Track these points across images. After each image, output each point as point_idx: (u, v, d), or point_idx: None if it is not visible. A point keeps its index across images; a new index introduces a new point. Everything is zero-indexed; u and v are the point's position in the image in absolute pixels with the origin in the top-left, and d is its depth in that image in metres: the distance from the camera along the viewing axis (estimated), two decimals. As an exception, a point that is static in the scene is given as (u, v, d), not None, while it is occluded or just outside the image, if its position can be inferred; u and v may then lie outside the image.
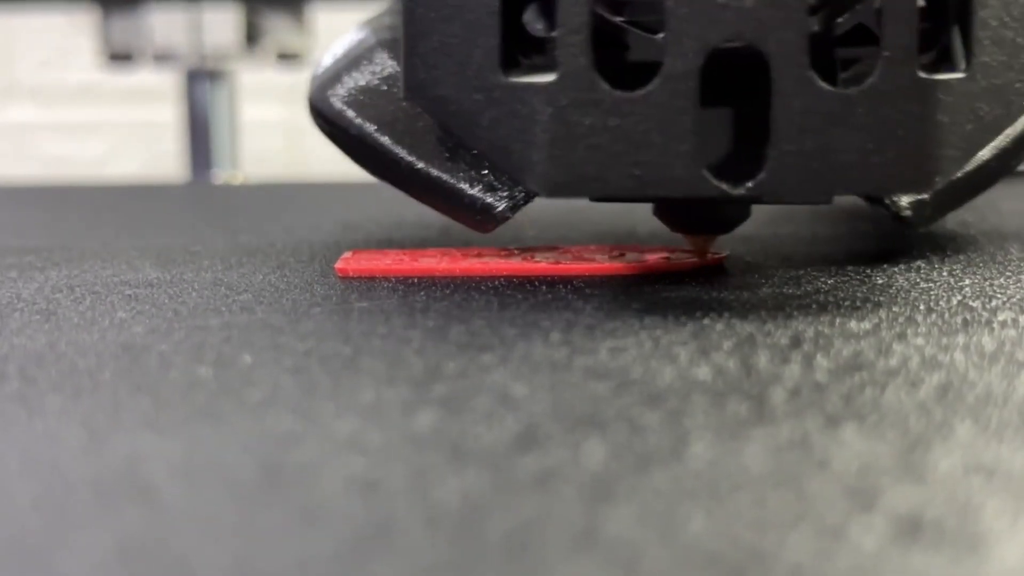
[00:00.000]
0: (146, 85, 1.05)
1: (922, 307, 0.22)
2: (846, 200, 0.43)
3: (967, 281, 0.24)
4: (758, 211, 0.31)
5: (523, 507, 0.12)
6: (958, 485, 0.13)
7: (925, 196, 0.25)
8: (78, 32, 1.03)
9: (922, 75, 0.21)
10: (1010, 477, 0.13)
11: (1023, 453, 0.14)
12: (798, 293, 0.23)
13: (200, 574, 0.11)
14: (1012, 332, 0.20)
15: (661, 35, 0.21)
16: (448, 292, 0.24)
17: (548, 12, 0.22)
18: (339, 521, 0.12)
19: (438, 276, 0.26)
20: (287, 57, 0.82)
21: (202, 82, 0.82)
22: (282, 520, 0.12)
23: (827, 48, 0.23)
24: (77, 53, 1.08)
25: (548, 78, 0.22)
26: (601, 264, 0.26)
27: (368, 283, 0.25)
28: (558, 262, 0.26)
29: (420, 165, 0.26)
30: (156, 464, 0.14)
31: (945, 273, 0.25)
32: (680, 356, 0.18)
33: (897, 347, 0.19)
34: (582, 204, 0.29)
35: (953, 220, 0.35)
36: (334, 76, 0.27)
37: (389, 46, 0.27)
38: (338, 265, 0.27)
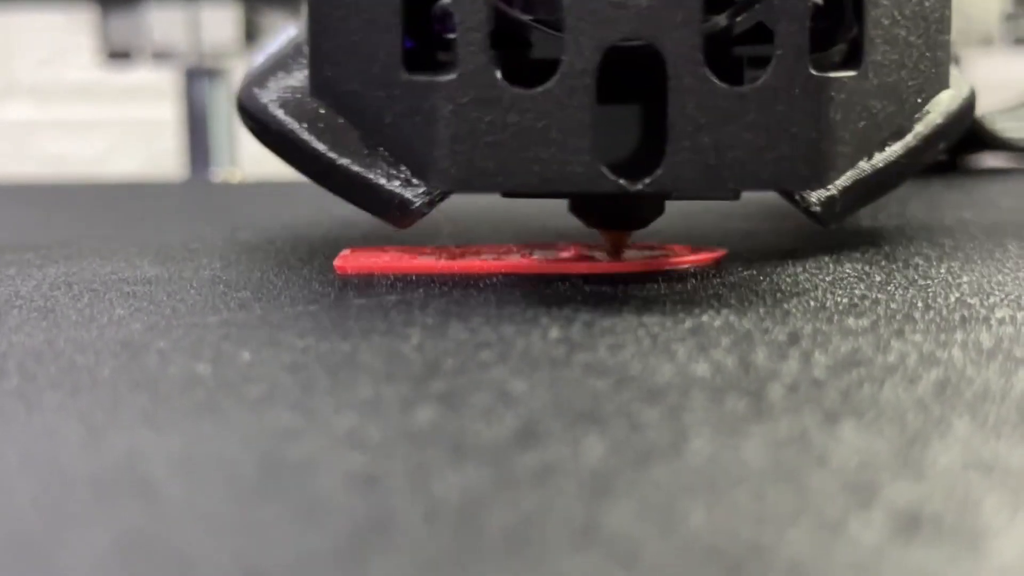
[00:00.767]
0: (145, 83, 1.05)
1: (920, 304, 0.22)
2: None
3: (965, 278, 0.24)
4: (757, 207, 0.31)
5: (523, 502, 0.12)
6: (956, 481, 0.13)
7: (834, 193, 0.26)
8: (77, 30, 1.03)
9: (814, 73, 0.22)
10: (1008, 473, 0.13)
11: (1021, 449, 0.14)
12: (796, 290, 0.23)
13: (199, 570, 0.11)
14: (1010, 329, 0.20)
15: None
16: (446, 289, 0.24)
17: (451, 10, 0.23)
18: (338, 516, 0.12)
19: (436, 274, 0.26)
20: (285, 55, 0.82)
21: (201, 80, 0.82)
22: (281, 515, 0.12)
23: (727, 47, 0.23)
24: (76, 51, 1.08)
25: (449, 76, 0.22)
26: (599, 262, 0.26)
27: (366, 280, 0.25)
28: (556, 260, 0.26)
29: (339, 161, 0.26)
30: (155, 460, 0.14)
31: (943, 270, 0.25)
32: (679, 353, 0.18)
33: (895, 344, 0.19)
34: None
35: (951, 217, 0.35)
36: (261, 74, 0.27)
37: None
38: (336, 262, 0.27)
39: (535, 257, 0.27)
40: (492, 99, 0.22)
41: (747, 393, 0.16)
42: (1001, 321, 0.20)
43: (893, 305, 0.22)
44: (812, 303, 0.22)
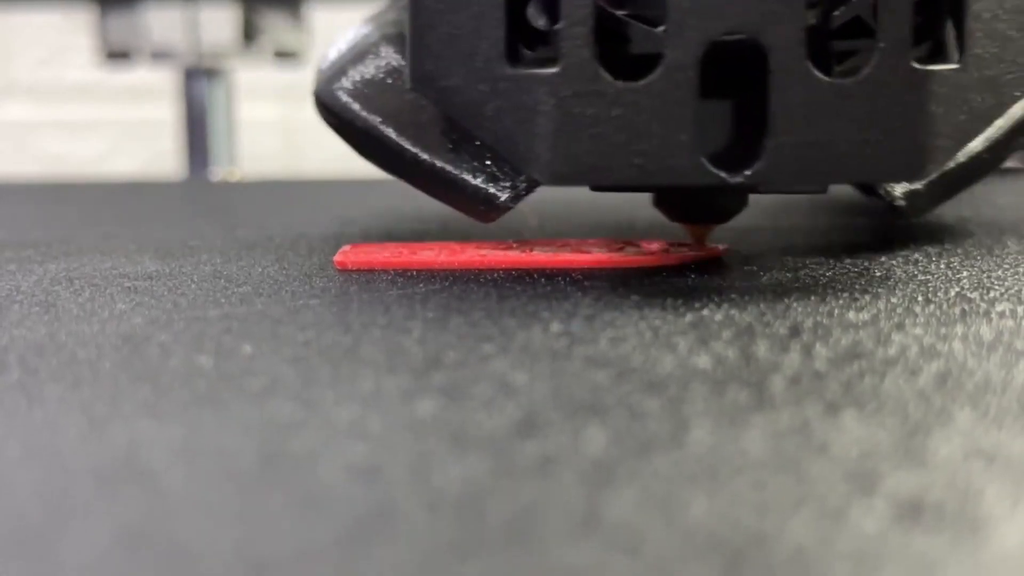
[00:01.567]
0: (144, 84, 1.05)
1: (920, 298, 0.22)
2: (844, 192, 0.43)
3: (964, 273, 0.24)
4: (757, 203, 0.31)
5: (524, 492, 0.12)
6: (958, 470, 0.13)
7: (919, 186, 0.26)
8: (76, 31, 1.03)
9: (916, 66, 0.22)
10: (1009, 462, 0.13)
11: (1022, 439, 0.14)
12: (796, 285, 0.23)
13: (201, 560, 0.11)
14: (1010, 322, 0.20)
15: (662, 28, 0.22)
16: (447, 284, 0.24)
17: (551, 6, 0.23)
18: (340, 507, 0.12)
19: (437, 269, 0.26)
20: (284, 55, 0.82)
21: (199, 80, 0.82)
22: (283, 506, 0.12)
23: (824, 40, 0.23)
24: (75, 51, 1.08)
25: (552, 69, 0.22)
26: (600, 256, 0.26)
27: (367, 276, 0.25)
28: (557, 255, 0.26)
29: (424, 156, 0.26)
30: (157, 451, 0.14)
31: (943, 265, 0.25)
32: (679, 345, 0.18)
33: (896, 337, 0.19)
34: (582, 197, 0.30)
35: (951, 214, 0.35)
36: (339, 70, 0.28)
37: (393, 41, 0.28)
38: (337, 258, 0.27)
39: (535, 253, 0.27)
40: (595, 92, 0.22)
41: (748, 385, 0.16)
42: (1001, 315, 0.20)
43: (893, 299, 0.22)
44: (813, 297, 0.22)
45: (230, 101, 0.84)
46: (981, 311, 0.21)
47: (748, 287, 0.23)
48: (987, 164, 0.27)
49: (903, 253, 0.27)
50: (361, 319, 0.21)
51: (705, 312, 0.21)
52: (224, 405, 0.16)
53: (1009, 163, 0.53)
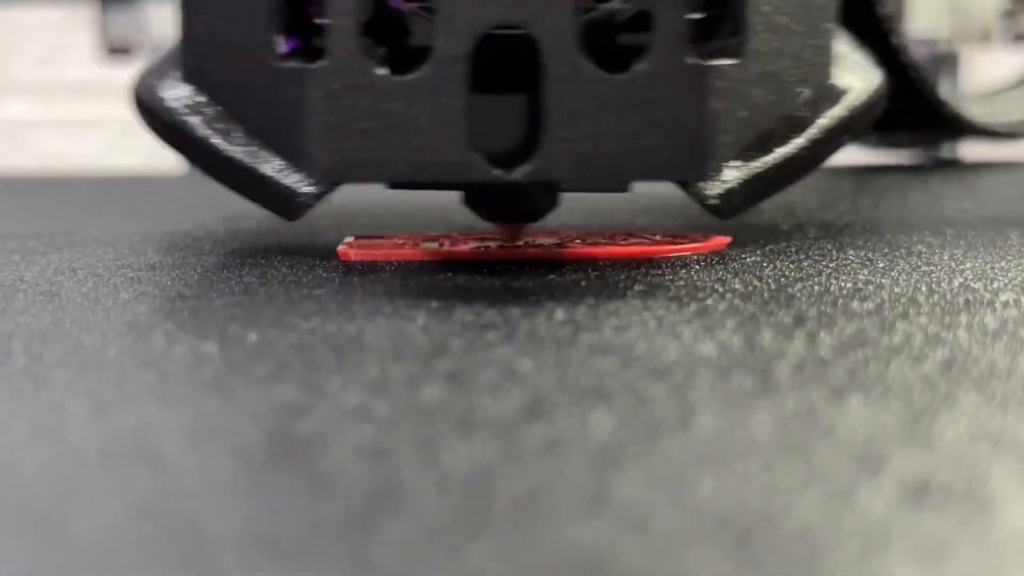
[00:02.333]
0: (144, 81, 1.05)
1: (924, 288, 0.22)
2: (844, 186, 0.43)
3: (968, 264, 0.24)
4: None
5: (532, 472, 0.12)
6: (964, 452, 0.13)
7: (733, 185, 0.25)
8: (76, 28, 1.03)
9: (693, 61, 0.21)
10: (1015, 445, 0.13)
11: (1028, 423, 0.14)
12: (800, 276, 0.23)
13: (210, 537, 0.11)
14: (1014, 312, 0.20)
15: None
16: (450, 274, 0.24)
17: None
18: (349, 486, 0.12)
19: (440, 260, 0.26)
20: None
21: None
22: (292, 485, 0.12)
23: (609, 35, 0.23)
24: (75, 49, 1.08)
25: (321, 63, 0.22)
26: (604, 248, 0.26)
27: (370, 266, 0.25)
28: (560, 246, 0.26)
29: (228, 151, 0.26)
30: (164, 433, 0.14)
31: (946, 257, 0.25)
32: (684, 334, 0.18)
33: (900, 325, 0.19)
34: (584, 193, 0.30)
35: (952, 208, 0.35)
36: (158, 67, 0.27)
37: None
38: (340, 249, 0.27)
39: (539, 243, 0.27)
40: (364, 86, 0.21)
41: (753, 371, 0.16)
42: (1005, 304, 0.20)
43: (897, 289, 0.22)
44: (816, 288, 0.22)
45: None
46: (985, 301, 0.21)
47: (752, 277, 0.23)
48: (806, 164, 0.27)
49: (906, 245, 0.27)
50: (365, 308, 0.21)
51: (709, 302, 0.21)
52: (230, 389, 0.16)
53: (1009, 156, 0.53)
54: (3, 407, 0.15)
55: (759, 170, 0.26)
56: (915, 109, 0.47)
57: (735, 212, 0.26)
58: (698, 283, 0.23)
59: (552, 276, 0.24)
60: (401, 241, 0.27)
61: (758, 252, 0.27)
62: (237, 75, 0.23)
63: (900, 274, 0.23)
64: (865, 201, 0.39)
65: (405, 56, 0.22)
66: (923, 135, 0.52)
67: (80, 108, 1.12)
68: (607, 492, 0.12)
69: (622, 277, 0.23)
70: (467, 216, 0.26)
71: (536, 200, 0.25)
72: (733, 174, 0.25)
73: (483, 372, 0.16)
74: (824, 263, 0.25)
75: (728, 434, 0.13)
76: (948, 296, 0.21)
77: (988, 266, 0.24)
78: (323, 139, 0.21)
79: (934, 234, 0.29)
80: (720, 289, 0.22)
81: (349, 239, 0.28)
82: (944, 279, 0.23)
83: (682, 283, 0.23)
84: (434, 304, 0.21)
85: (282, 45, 0.24)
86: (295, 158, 0.23)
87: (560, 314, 0.20)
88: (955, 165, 0.51)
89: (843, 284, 0.22)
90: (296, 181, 0.25)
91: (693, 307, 0.20)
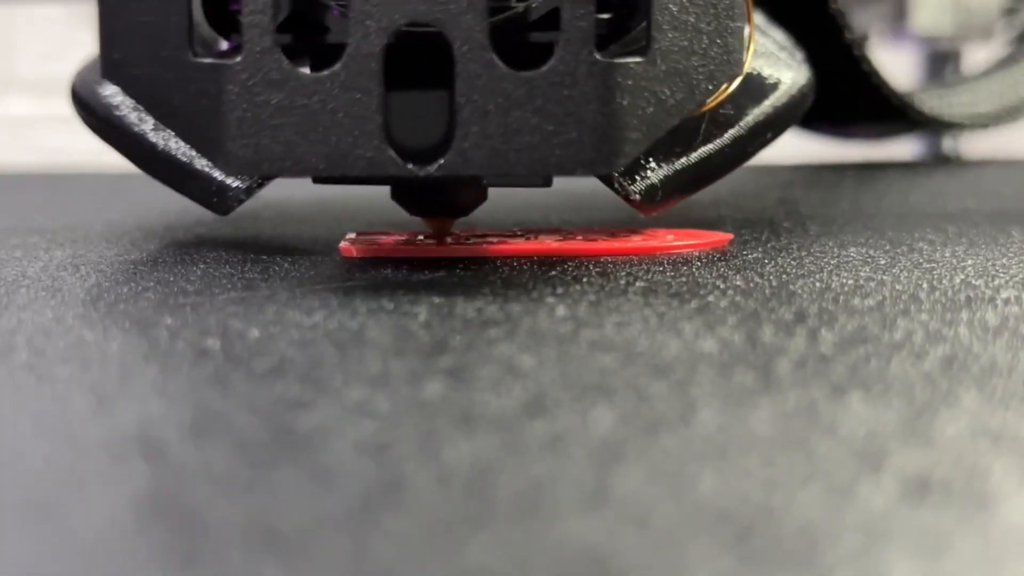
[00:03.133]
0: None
1: (925, 285, 0.22)
2: (844, 184, 0.43)
3: (969, 261, 0.24)
4: (762, 193, 0.31)
5: (533, 468, 0.12)
6: (964, 449, 0.13)
7: (655, 181, 0.26)
8: (78, 25, 1.03)
9: (600, 58, 0.22)
10: (1015, 441, 0.13)
11: (1029, 419, 0.14)
12: (801, 273, 0.23)
13: (213, 531, 0.11)
14: (1015, 308, 0.20)
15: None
16: (452, 271, 0.24)
17: None
18: (351, 480, 0.12)
19: (442, 256, 0.26)
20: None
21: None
22: (294, 479, 0.12)
23: (520, 33, 0.23)
24: (78, 46, 1.08)
25: (235, 59, 0.22)
26: (604, 244, 0.26)
27: (372, 262, 0.25)
28: (562, 243, 0.26)
29: (161, 145, 0.26)
30: (166, 427, 0.14)
31: (947, 254, 0.25)
32: (685, 330, 0.18)
33: (901, 322, 0.19)
34: (585, 190, 0.30)
35: (954, 205, 0.35)
36: (95, 64, 0.27)
37: None
38: (342, 245, 0.27)
39: (540, 240, 0.27)
40: (278, 82, 0.22)
41: (755, 367, 0.16)
42: (1006, 301, 0.20)
43: (898, 286, 0.22)
44: (818, 284, 0.22)
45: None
46: (986, 298, 0.21)
47: (753, 274, 0.23)
48: (730, 160, 0.27)
49: (908, 242, 0.27)
50: (367, 304, 0.21)
51: (710, 298, 0.21)
52: (233, 384, 0.16)
53: (1010, 156, 0.53)
54: (6, 402, 0.15)
55: (683, 166, 0.26)
56: (868, 102, 0.48)
57: (658, 207, 0.26)
58: (699, 280, 0.23)
59: (553, 272, 0.24)
60: (402, 237, 0.27)
61: (760, 249, 0.27)
62: (154, 70, 0.23)
63: (901, 271, 0.23)
64: (867, 198, 0.39)
65: (325, 53, 0.22)
66: (877, 127, 0.52)
67: (82, 104, 1.11)
68: (608, 488, 0.12)
69: (623, 274, 0.23)
70: (466, 217, 0.26)
71: (462, 195, 0.25)
72: (656, 171, 0.26)
73: (484, 368, 0.16)
74: (825, 260, 0.25)
75: (729, 430, 0.13)
76: (949, 293, 0.21)
77: (989, 263, 0.24)
78: (238, 134, 0.22)
79: (935, 231, 0.29)
80: (721, 286, 0.22)
81: (351, 235, 0.28)
82: (945, 276, 0.23)
83: (684, 280, 0.23)
84: (436, 300, 0.21)
85: (222, 45, 0.24)
86: (212, 152, 0.23)
87: (562, 310, 0.20)
88: (957, 162, 0.51)
89: (844, 281, 0.22)
90: (226, 175, 0.25)
91: (694, 304, 0.20)
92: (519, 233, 0.28)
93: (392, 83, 0.22)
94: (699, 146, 0.26)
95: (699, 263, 0.25)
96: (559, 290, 0.22)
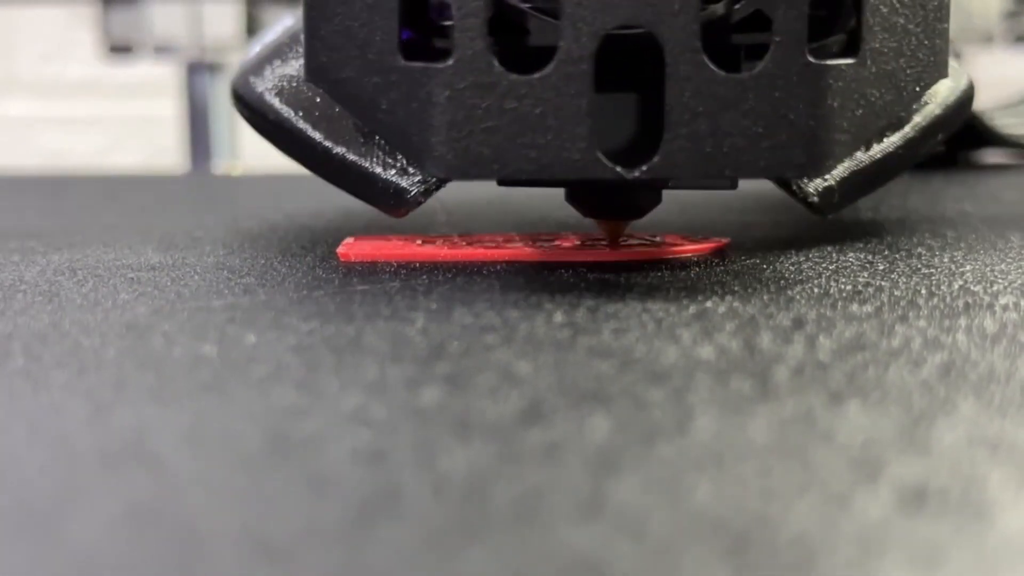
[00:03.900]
0: (146, 80, 1.05)
1: (923, 291, 0.22)
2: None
3: (968, 267, 0.24)
4: (758, 200, 0.31)
5: (530, 476, 0.12)
6: (962, 457, 0.13)
7: (832, 183, 0.26)
8: (78, 25, 1.03)
9: (812, 60, 0.22)
10: (1013, 450, 0.13)
11: (1026, 428, 0.14)
12: (799, 278, 0.23)
13: (208, 539, 0.11)
14: (1014, 315, 0.20)
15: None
16: (450, 276, 0.24)
17: None
18: (346, 489, 0.12)
19: (440, 261, 0.26)
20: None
21: (202, 74, 0.82)
22: (290, 488, 0.12)
23: (726, 34, 0.23)
24: (77, 47, 1.08)
25: (446, 62, 0.22)
26: (601, 250, 0.26)
27: (370, 268, 0.25)
28: (559, 248, 0.26)
29: (335, 149, 0.26)
30: (162, 435, 0.14)
31: (946, 259, 0.25)
32: (683, 336, 0.18)
33: (899, 329, 0.19)
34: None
35: (952, 210, 0.35)
36: (257, 63, 0.27)
37: None
38: (340, 250, 0.27)
39: (538, 246, 0.27)
40: (488, 85, 0.22)
41: (752, 375, 0.16)
42: (1005, 308, 0.20)
43: (897, 292, 0.22)
44: (816, 290, 0.22)
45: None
46: (985, 304, 0.21)
47: (751, 280, 0.23)
48: (902, 161, 0.27)
49: (906, 247, 0.27)
50: (364, 310, 0.21)
51: (708, 304, 0.21)
52: (229, 391, 0.16)
53: (1010, 159, 0.53)
54: (2, 408, 0.15)
55: (858, 167, 0.26)
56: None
57: (835, 209, 0.26)
58: (697, 285, 0.23)
59: (551, 278, 0.24)
60: (400, 242, 0.27)
61: (757, 253, 0.27)
62: (362, 74, 0.23)
63: (900, 277, 0.23)
64: (865, 203, 0.39)
65: (524, 56, 0.22)
66: (955, 147, 0.52)
67: (81, 106, 1.11)
68: (604, 496, 0.12)
69: (621, 279, 0.23)
70: (468, 217, 0.26)
71: (641, 197, 0.25)
72: (833, 171, 0.26)
73: (481, 375, 0.16)
74: (824, 265, 0.25)
75: (726, 438, 0.13)
76: (948, 299, 0.21)
77: (988, 269, 0.24)
78: (448, 137, 0.22)
79: (934, 236, 0.29)
80: (719, 291, 0.22)
81: (349, 240, 0.28)
82: (944, 282, 0.23)
83: (681, 285, 0.23)
84: (433, 306, 0.21)
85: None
86: (418, 156, 0.23)
87: (559, 317, 0.20)
88: (955, 167, 0.51)
89: (843, 286, 0.22)
90: (404, 178, 0.25)
91: (692, 309, 0.20)
92: (516, 238, 0.28)
93: (600, 86, 0.22)
94: (874, 147, 0.26)
95: (697, 268, 0.25)
96: (556, 296, 0.22)
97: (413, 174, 0.25)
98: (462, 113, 0.22)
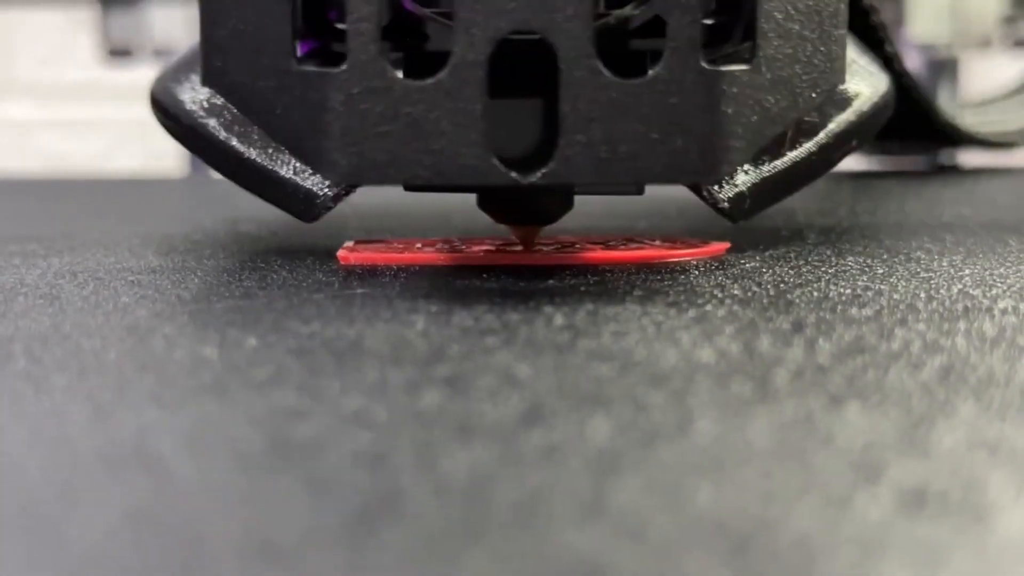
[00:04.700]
0: (146, 83, 1.05)
1: (923, 295, 0.22)
2: (841, 190, 0.43)
3: (967, 271, 0.24)
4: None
5: (530, 478, 0.12)
6: (962, 460, 0.13)
7: (743, 189, 0.26)
8: (77, 29, 1.03)
9: (706, 66, 0.22)
10: (1013, 453, 0.13)
11: (1026, 431, 0.14)
12: (799, 282, 0.23)
13: (209, 541, 0.11)
14: (1013, 319, 0.20)
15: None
16: (451, 279, 0.24)
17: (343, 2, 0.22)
18: (347, 491, 0.12)
19: (440, 265, 0.26)
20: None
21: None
22: (290, 490, 0.12)
23: (623, 40, 0.23)
24: (76, 50, 1.08)
25: (340, 67, 0.22)
26: (602, 253, 0.26)
27: (370, 271, 0.25)
28: (560, 252, 0.26)
29: (246, 152, 0.26)
30: (163, 437, 0.14)
31: (945, 263, 0.25)
32: (683, 340, 0.18)
33: (899, 332, 0.19)
34: (582, 199, 0.30)
35: (951, 214, 0.35)
36: (176, 69, 0.27)
37: None
38: (340, 253, 0.27)
39: (537, 249, 0.27)
40: (383, 90, 0.21)
41: (752, 378, 0.16)
42: (1004, 311, 0.20)
43: (896, 296, 0.22)
44: (815, 294, 0.22)
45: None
46: (984, 308, 0.21)
47: (750, 284, 0.23)
48: (816, 168, 0.27)
49: (905, 251, 0.27)
50: (364, 312, 0.21)
51: (708, 308, 0.21)
52: (230, 394, 0.16)
53: (1008, 162, 0.53)
54: (3, 411, 0.15)
55: (769, 174, 0.26)
56: (909, 117, 0.47)
57: (746, 216, 0.26)
58: (697, 289, 0.23)
59: (551, 281, 0.24)
60: (401, 245, 0.27)
61: (757, 258, 0.27)
62: (256, 78, 0.23)
63: (899, 280, 0.23)
64: (864, 207, 0.39)
65: (421, 61, 0.22)
66: (917, 143, 0.52)
67: (80, 109, 1.12)
68: (605, 499, 0.12)
69: (621, 282, 0.23)
70: (466, 220, 0.26)
71: (551, 203, 0.25)
72: (744, 178, 0.26)
73: (482, 377, 0.16)
74: (823, 269, 0.25)
75: (726, 441, 0.14)
76: (947, 303, 0.21)
77: (987, 272, 0.24)
78: (342, 142, 0.22)
79: (933, 240, 0.29)
80: (719, 295, 0.22)
81: (349, 243, 0.28)
82: (943, 285, 0.23)
83: (681, 289, 0.23)
84: (433, 309, 0.21)
85: (298, 48, 0.24)
86: (313, 161, 0.23)
87: (559, 319, 0.20)
88: (954, 171, 0.51)
89: (842, 290, 0.22)
90: (314, 183, 0.25)
91: (692, 313, 0.20)
92: (516, 242, 0.28)
93: (494, 91, 0.22)
94: (786, 154, 0.26)
95: (696, 272, 0.25)
96: (556, 299, 0.22)
97: (322, 179, 0.25)
98: (357, 118, 0.22)
